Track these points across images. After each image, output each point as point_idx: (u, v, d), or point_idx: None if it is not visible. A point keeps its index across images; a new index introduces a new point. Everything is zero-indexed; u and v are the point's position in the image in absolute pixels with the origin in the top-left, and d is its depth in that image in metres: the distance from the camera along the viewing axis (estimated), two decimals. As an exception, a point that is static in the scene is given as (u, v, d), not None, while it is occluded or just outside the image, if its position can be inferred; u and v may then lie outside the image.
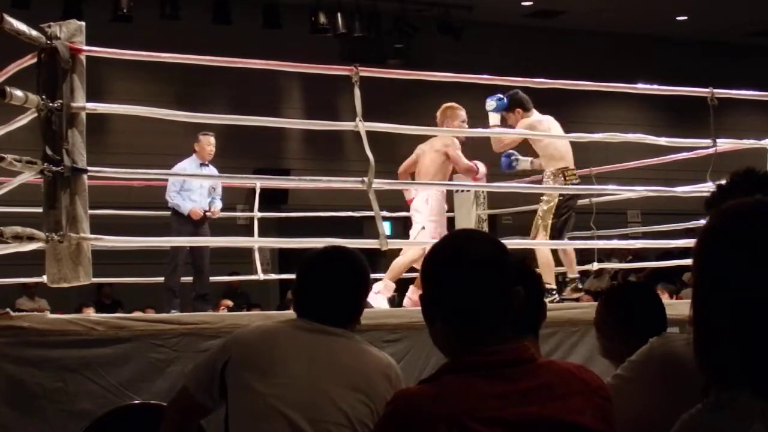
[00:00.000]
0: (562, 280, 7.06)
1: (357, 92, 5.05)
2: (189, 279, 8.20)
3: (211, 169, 8.49)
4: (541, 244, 6.45)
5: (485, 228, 7.91)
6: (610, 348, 2.92)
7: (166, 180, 8.41)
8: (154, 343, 3.90)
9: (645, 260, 10.50)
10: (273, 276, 9.06)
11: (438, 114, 6.78)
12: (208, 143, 8.41)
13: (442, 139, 6.78)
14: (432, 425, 1.63)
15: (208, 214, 8.22)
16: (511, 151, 6.93)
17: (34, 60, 4.16)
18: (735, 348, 1.24)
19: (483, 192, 8.23)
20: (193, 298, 8.14)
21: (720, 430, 1.23)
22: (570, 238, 7.92)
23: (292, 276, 2.69)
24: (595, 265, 7.71)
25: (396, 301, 12.06)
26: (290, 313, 2.72)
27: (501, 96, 6.62)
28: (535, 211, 6.65)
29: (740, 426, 1.21)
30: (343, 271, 2.58)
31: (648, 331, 2.74)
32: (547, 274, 6.31)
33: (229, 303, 10.79)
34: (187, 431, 2.71)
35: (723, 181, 1.92)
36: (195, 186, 8.26)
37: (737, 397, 1.23)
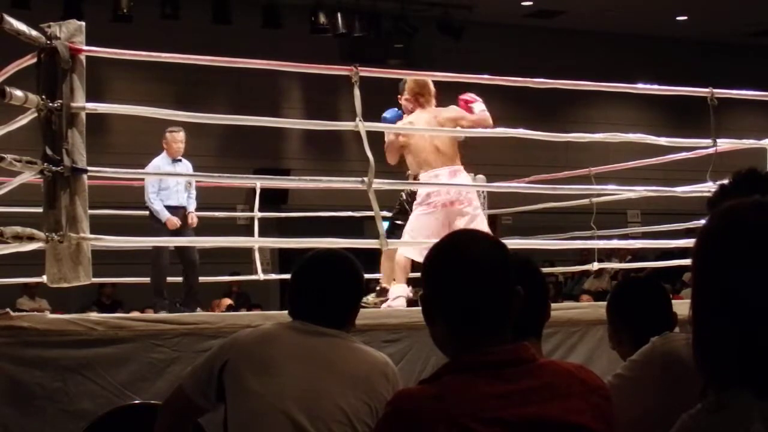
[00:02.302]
0: (563, 280, 7.04)
1: (357, 92, 5.05)
2: (177, 279, 8.06)
3: (186, 164, 8.16)
4: (541, 244, 6.43)
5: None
6: (618, 344, 2.91)
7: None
8: (154, 343, 3.90)
9: (645, 260, 10.50)
10: (273, 276, 9.05)
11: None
12: (175, 140, 8.03)
13: (449, 111, 6.31)
14: (432, 425, 1.63)
15: (189, 221, 7.97)
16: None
17: (34, 60, 4.16)
18: (734, 348, 1.24)
19: (483, 192, 8.23)
20: (183, 296, 7.95)
21: (719, 430, 1.23)
22: (570, 238, 7.95)
23: (292, 276, 2.70)
24: (595, 265, 7.71)
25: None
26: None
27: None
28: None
29: (740, 426, 1.21)
30: (338, 275, 2.60)
31: (655, 329, 2.74)
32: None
33: (229, 302, 10.78)
34: (182, 431, 2.71)
35: (726, 181, 1.92)
36: (171, 184, 7.98)
37: (737, 398, 1.23)
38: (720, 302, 1.26)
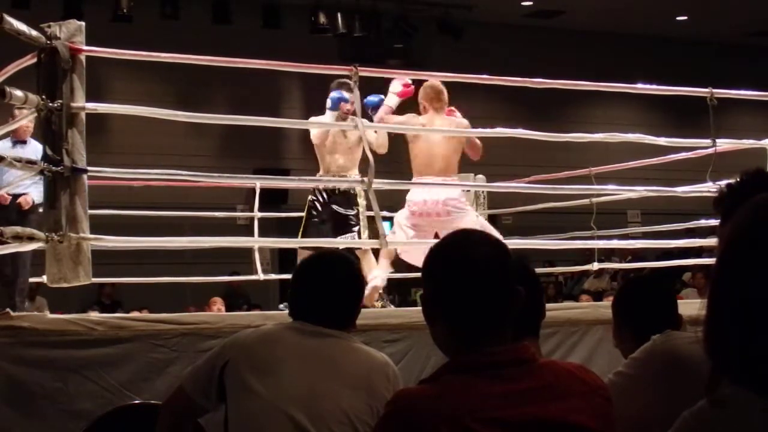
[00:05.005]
0: (563, 280, 7.03)
1: (357, 92, 5.06)
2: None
3: (32, 147, 7.01)
4: (541, 244, 6.42)
5: (485, 228, 7.87)
6: (620, 342, 2.91)
7: (167, 180, 8.38)
8: (154, 343, 3.90)
9: (645, 260, 10.50)
10: (273, 276, 9.04)
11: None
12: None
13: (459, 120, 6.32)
14: (432, 425, 1.63)
15: (21, 202, 7.05)
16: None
17: (34, 60, 4.16)
18: (741, 344, 1.23)
19: (483, 192, 8.24)
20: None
21: (721, 428, 1.22)
22: (570, 238, 7.95)
23: (292, 276, 2.70)
24: (595, 265, 7.71)
25: (397, 301, 12.08)
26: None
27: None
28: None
29: (741, 424, 1.20)
30: (338, 275, 2.62)
31: (656, 328, 2.74)
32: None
33: (218, 300, 10.63)
34: (182, 431, 2.71)
35: (732, 180, 1.91)
36: (3, 170, 6.95)
37: (738, 395, 1.22)
38: (737, 296, 1.23)
